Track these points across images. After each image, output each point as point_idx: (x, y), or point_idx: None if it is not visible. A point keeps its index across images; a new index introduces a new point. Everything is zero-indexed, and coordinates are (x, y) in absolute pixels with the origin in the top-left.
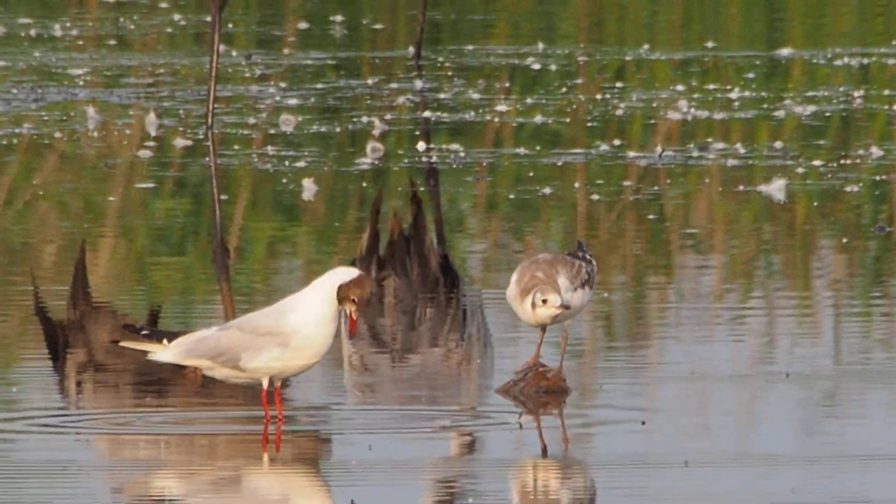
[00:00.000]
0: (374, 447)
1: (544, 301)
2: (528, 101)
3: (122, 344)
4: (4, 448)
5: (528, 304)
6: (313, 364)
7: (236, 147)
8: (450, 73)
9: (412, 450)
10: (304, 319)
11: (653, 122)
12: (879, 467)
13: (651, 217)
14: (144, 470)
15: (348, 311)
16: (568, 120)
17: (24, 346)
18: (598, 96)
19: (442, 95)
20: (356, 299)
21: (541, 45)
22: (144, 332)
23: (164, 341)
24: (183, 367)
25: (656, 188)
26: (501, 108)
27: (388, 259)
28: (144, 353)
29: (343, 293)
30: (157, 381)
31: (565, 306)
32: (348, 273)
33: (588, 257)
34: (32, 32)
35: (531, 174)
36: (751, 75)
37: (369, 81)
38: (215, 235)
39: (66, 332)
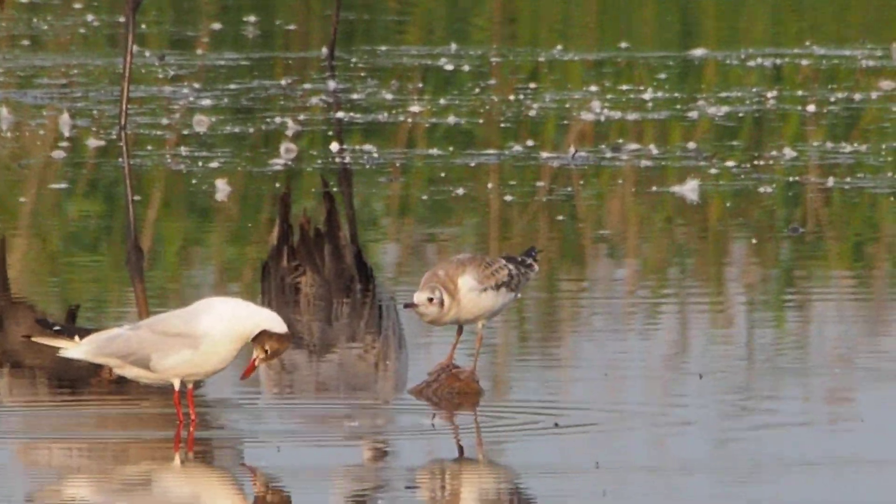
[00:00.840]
0: (282, 450)
1: (413, 300)
2: (442, 101)
3: (34, 339)
4: None
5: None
6: (224, 366)
7: (149, 147)
8: (363, 74)
9: (321, 454)
10: (215, 325)
11: (566, 122)
12: (794, 472)
13: (564, 218)
14: (55, 475)
15: (255, 356)
16: (481, 121)
17: None
18: (512, 97)
19: (355, 96)
20: (269, 351)
21: (454, 46)
22: (56, 327)
23: (76, 338)
24: (97, 366)
25: (569, 189)
26: (415, 108)
27: (301, 253)
28: (56, 349)
29: (262, 339)
30: (72, 378)
31: (422, 304)
32: (279, 325)
33: (529, 262)
34: None
35: (444, 175)
36: (664, 76)
37: (283, 82)
38: (129, 236)
39: None
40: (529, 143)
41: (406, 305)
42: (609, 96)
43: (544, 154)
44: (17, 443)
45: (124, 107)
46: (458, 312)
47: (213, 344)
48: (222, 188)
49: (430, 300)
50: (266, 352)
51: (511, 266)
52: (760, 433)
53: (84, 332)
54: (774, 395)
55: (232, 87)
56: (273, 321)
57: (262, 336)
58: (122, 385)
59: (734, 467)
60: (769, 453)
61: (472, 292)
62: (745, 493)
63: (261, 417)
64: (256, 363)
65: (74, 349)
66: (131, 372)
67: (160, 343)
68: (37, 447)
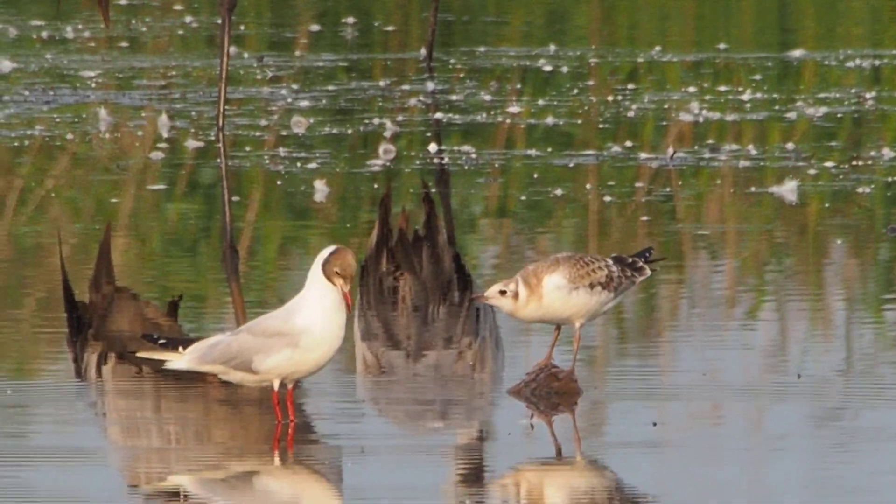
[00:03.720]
0: (366, 450)
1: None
2: (540, 102)
3: (140, 355)
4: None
5: None
6: (325, 363)
7: (248, 149)
8: (461, 75)
9: (417, 454)
10: (310, 318)
11: (664, 123)
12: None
13: (664, 218)
14: (158, 464)
15: (338, 287)
16: (579, 121)
17: (36, 348)
18: (610, 98)
19: (454, 97)
20: (339, 270)
21: (552, 47)
22: (161, 341)
23: (180, 348)
24: (200, 374)
25: (668, 189)
26: (513, 109)
27: (399, 256)
28: (161, 361)
29: (327, 271)
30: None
31: (477, 296)
32: (325, 251)
33: (640, 265)
34: (44, 34)
35: (543, 176)
36: (762, 77)
37: (381, 83)
38: (225, 236)
39: (87, 314)
40: (628, 143)
41: (473, 298)
42: (707, 97)
43: (643, 155)
44: (118, 432)
45: (222, 108)
46: (540, 308)
47: (313, 340)
48: (321, 189)
49: (502, 292)
50: (338, 273)
51: (615, 267)
52: (855, 443)
53: (186, 343)
54: (874, 399)
55: (330, 88)
56: (321, 255)
57: (326, 270)
58: (224, 385)
59: (827, 448)
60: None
61: (558, 290)
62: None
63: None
64: (345, 289)
65: (179, 361)
66: (235, 376)
67: (261, 345)
68: (139, 440)
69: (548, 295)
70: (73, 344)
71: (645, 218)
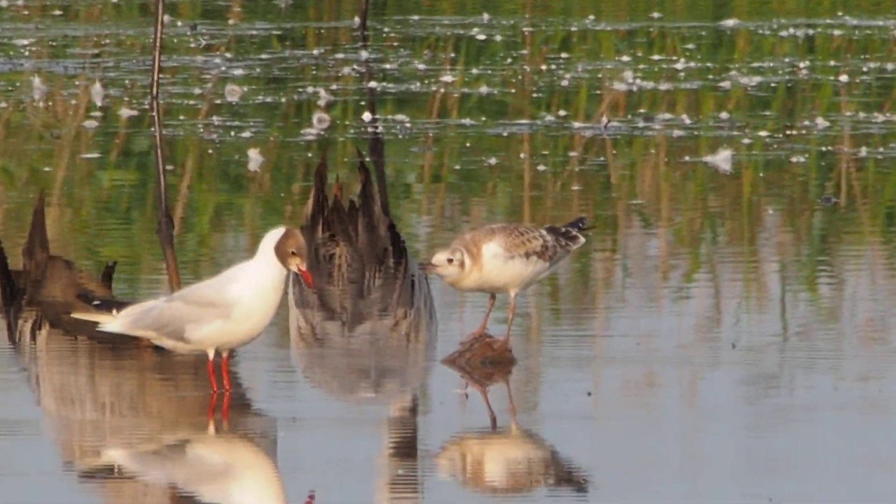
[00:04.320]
0: (297, 419)
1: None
2: (474, 71)
3: (74, 315)
4: None
5: None
6: (256, 335)
7: (182, 117)
8: (395, 44)
9: (351, 425)
10: (244, 290)
11: (598, 92)
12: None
13: (597, 187)
14: (92, 438)
15: (296, 267)
16: (513, 90)
17: None
18: (544, 67)
19: (387, 66)
20: (295, 251)
21: (486, 16)
22: (96, 302)
23: (114, 311)
24: (134, 337)
25: (602, 159)
26: (447, 78)
27: (335, 225)
28: (94, 323)
29: (281, 251)
30: (111, 345)
31: (427, 264)
32: (277, 232)
33: (574, 234)
34: None
35: (477, 145)
36: (696, 46)
37: (315, 52)
38: (160, 205)
39: (21, 281)
40: (562, 112)
41: (422, 265)
42: (641, 66)
43: (577, 124)
44: (51, 405)
45: (156, 76)
46: (480, 278)
47: (244, 311)
48: (255, 158)
49: (450, 261)
50: (294, 253)
51: (549, 237)
52: (788, 413)
53: (121, 306)
54: (807, 369)
55: (264, 56)
56: (272, 235)
57: (280, 250)
58: (159, 352)
59: (757, 420)
60: (797, 436)
61: (496, 259)
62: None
63: (290, 395)
64: (302, 267)
65: (112, 323)
66: (167, 343)
67: (193, 313)
68: (73, 410)
69: (486, 263)
70: (5, 311)
71: (578, 187)
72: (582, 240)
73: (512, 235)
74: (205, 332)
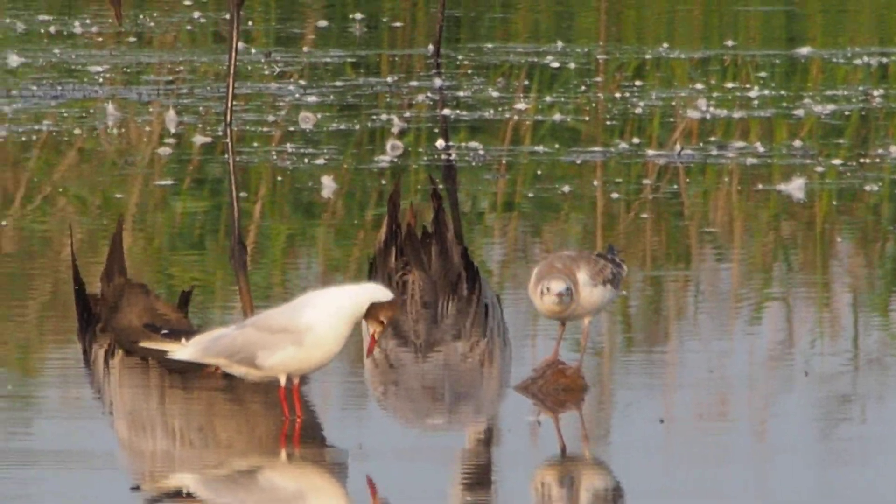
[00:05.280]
0: (371, 449)
1: (548, 289)
2: (547, 99)
3: (142, 344)
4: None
5: (539, 292)
6: (328, 361)
7: (255, 144)
8: (469, 71)
9: (423, 453)
10: (319, 317)
11: (672, 120)
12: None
13: (670, 215)
14: (162, 464)
15: (371, 331)
16: (587, 118)
17: (45, 341)
18: (617, 94)
19: (461, 93)
20: (385, 321)
21: (560, 44)
22: (164, 332)
23: (183, 340)
24: (202, 365)
25: (675, 186)
26: (520, 105)
27: (408, 252)
28: (164, 352)
29: (374, 312)
30: (181, 372)
31: (561, 294)
32: (384, 294)
33: (618, 260)
34: (52, 29)
35: (550, 172)
36: (769, 74)
37: (388, 79)
38: (233, 232)
39: (97, 307)
40: (635, 140)
41: (560, 294)
42: (715, 94)
43: (650, 152)
44: (122, 431)
45: (230, 103)
46: (577, 306)
47: (316, 337)
48: (328, 185)
49: (569, 290)
50: (382, 322)
51: (609, 263)
52: (861, 444)
53: (190, 335)
54: (880, 392)
55: (338, 84)
56: (377, 291)
57: (374, 310)
58: (229, 380)
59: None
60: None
61: (585, 287)
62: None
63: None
64: (376, 337)
65: (181, 351)
66: (239, 370)
67: (265, 340)
68: (143, 436)
69: (582, 291)
70: (81, 337)
71: (651, 215)
72: (625, 268)
73: (591, 263)
74: (277, 358)
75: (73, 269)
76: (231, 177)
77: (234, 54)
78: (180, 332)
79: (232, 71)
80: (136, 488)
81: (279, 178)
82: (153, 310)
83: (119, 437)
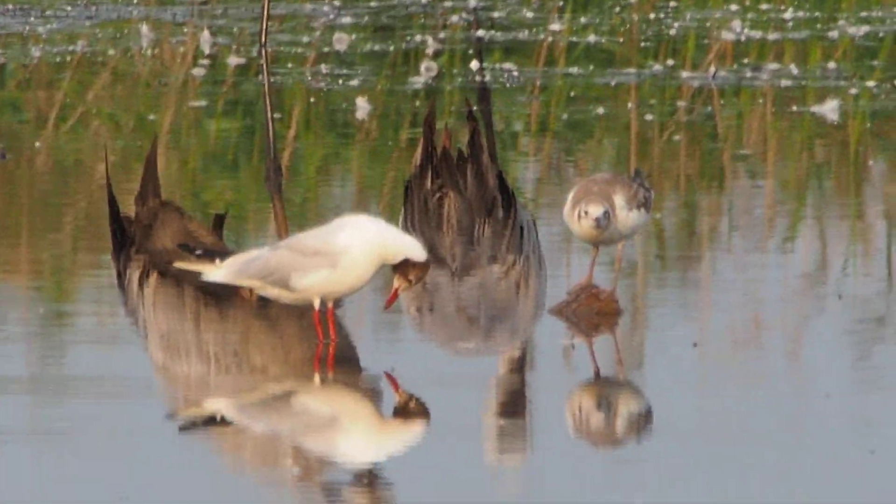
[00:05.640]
0: (396, 369)
1: (586, 212)
2: (582, 20)
3: (176, 265)
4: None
5: (576, 216)
6: (362, 285)
7: (290, 65)
8: None
9: (457, 367)
10: (353, 239)
11: (706, 42)
12: None
13: (704, 137)
14: (196, 389)
15: (397, 285)
16: (621, 40)
17: (82, 259)
18: (652, 16)
19: (495, 14)
20: (413, 280)
21: None
22: (198, 252)
23: (217, 261)
24: (237, 288)
25: (709, 108)
26: (555, 27)
27: (444, 174)
28: (198, 273)
29: (405, 269)
30: (216, 295)
31: (599, 218)
32: (420, 253)
33: (646, 185)
34: None
35: (583, 94)
36: None
37: (423, 0)
38: (268, 154)
39: (132, 228)
40: (669, 62)
41: (597, 219)
42: (749, 15)
43: (684, 74)
44: (157, 356)
45: (264, 24)
46: (613, 230)
47: (351, 261)
48: (362, 106)
49: (607, 214)
50: (410, 281)
51: (640, 188)
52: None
53: (224, 256)
54: None
55: (372, 5)
56: (415, 249)
57: (405, 265)
58: (263, 303)
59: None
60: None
61: (622, 211)
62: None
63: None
64: (399, 292)
65: (215, 273)
66: (272, 292)
67: (299, 262)
68: (178, 361)
69: (619, 215)
70: (116, 260)
71: (685, 137)
72: (652, 192)
73: (626, 186)
74: (310, 280)
75: (108, 192)
76: (266, 98)
77: None
78: (214, 253)
79: None
80: (171, 416)
81: (313, 100)
82: (187, 231)
83: (153, 362)
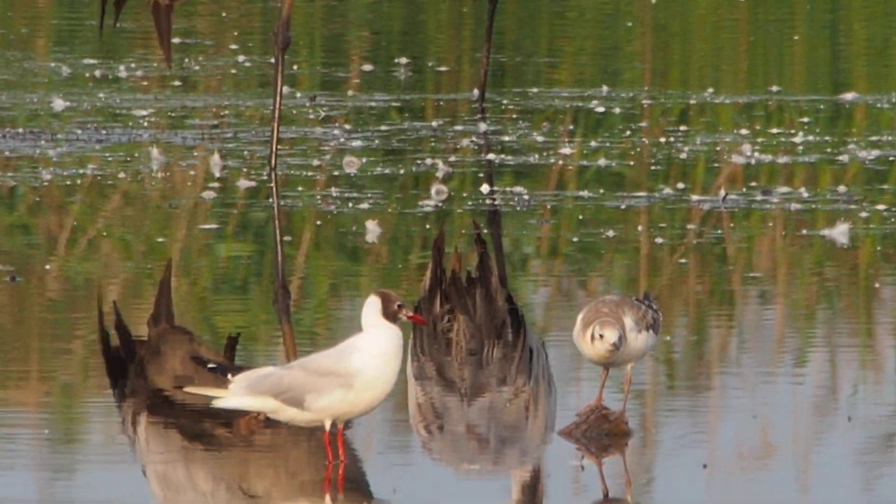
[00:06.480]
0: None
1: (601, 336)
2: (592, 143)
3: (187, 390)
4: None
5: (588, 337)
6: (376, 405)
7: (300, 188)
8: (514, 116)
9: (467, 489)
10: (366, 359)
11: (716, 165)
12: None
13: (714, 260)
14: None
15: (406, 317)
16: (631, 163)
17: (89, 383)
18: (662, 139)
19: (506, 138)
20: (400, 304)
21: (605, 88)
22: (211, 365)
23: (229, 375)
24: (244, 414)
25: (720, 232)
26: (565, 150)
27: (453, 298)
28: (208, 398)
29: (389, 311)
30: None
31: (616, 344)
32: (374, 300)
33: (654, 307)
34: (97, 73)
35: (594, 217)
36: (814, 119)
37: (433, 124)
38: (277, 277)
39: (141, 351)
40: (680, 185)
41: (614, 344)
42: (759, 139)
43: (695, 197)
44: (162, 484)
45: (274, 147)
46: (623, 352)
47: (366, 381)
48: (372, 229)
49: (621, 338)
50: (400, 307)
51: (649, 309)
52: None
53: (236, 371)
54: None
55: (383, 128)
56: (371, 302)
57: (386, 310)
58: (270, 425)
59: None
60: None
61: (631, 332)
62: None
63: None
64: (411, 313)
65: (226, 398)
66: (285, 414)
67: (313, 383)
68: (182, 489)
69: (627, 338)
70: (124, 386)
71: (695, 260)
72: (661, 314)
73: (634, 308)
74: (325, 401)
75: (101, 328)
76: (275, 221)
77: (278, 98)
78: (227, 368)
79: (277, 115)
80: None
81: (323, 223)
82: (192, 362)
83: (159, 491)
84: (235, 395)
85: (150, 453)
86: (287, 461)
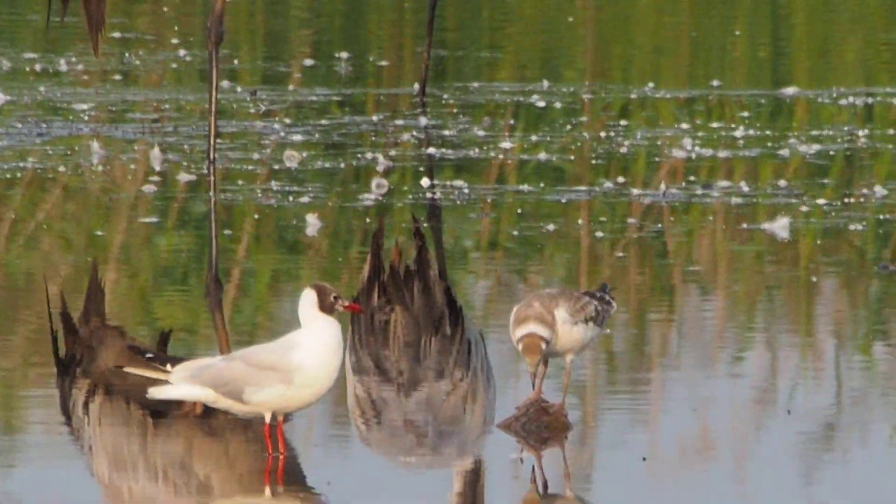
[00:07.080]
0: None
1: (519, 340)
2: (533, 138)
3: (126, 370)
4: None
5: (516, 340)
6: (316, 401)
7: (240, 182)
8: (454, 110)
9: (405, 481)
10: (307, 356)
11: (657, 159)
12: None
13: (655, 254)
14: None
15: (342, 307)
16: (572, 157)
17: (28, 377)
18: (603, 134)
19: (446, 132)
20: (336, 296)
21: (545, 83)
22: (149, 355)
23: (168, 365)
24: (181, 403)
25: (660, 226)
26: (506, 144)
27: (391, 291)
28: (148, 379)
29: (325, 304)
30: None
31: (534, 373)
32: (309, 293)
33: (608, 298)
34: (38, 67)
35: (535, 211)
36: (755, 114)
37: (374, 118)
38: (210, 269)
39: (76, 348)
40: (620, 179)
41: (534, 368)
42: (700, 133)
43: (635, 191)
44: (103, 475)
45: (213, 141)
46: (553, 346)
47: (307, 377)
48: (313, 223)
49: (543, 339)
50: (336, 298)
51: (595, 301)
52: (843, 480)
53: (174, 361)
54: (862, 432)
55: (323, 122)
56: (306, 296)
57: (322, 303)
58: (209, 415)
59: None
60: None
61: (564, 325)
62: None
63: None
64: (347, 303)
65: (164, 389)
66: (223, 404)
67: (253, 376)
68: (122, 479)
69: (559, 330)
70: (60, 381)
71: (636, 254)
72: (615, 305)
73: (571, 301)
74: (265, 395)
75: (63, 310)
76: (212, 214)
77: (214, 92)
78: (165, 359)
79: (214, 109)
80: None
81: (263, 216)
82: (128, 353)
83: (99, 480)
84: (175, 384)
85: (97, 438)
86: (227, 451)
